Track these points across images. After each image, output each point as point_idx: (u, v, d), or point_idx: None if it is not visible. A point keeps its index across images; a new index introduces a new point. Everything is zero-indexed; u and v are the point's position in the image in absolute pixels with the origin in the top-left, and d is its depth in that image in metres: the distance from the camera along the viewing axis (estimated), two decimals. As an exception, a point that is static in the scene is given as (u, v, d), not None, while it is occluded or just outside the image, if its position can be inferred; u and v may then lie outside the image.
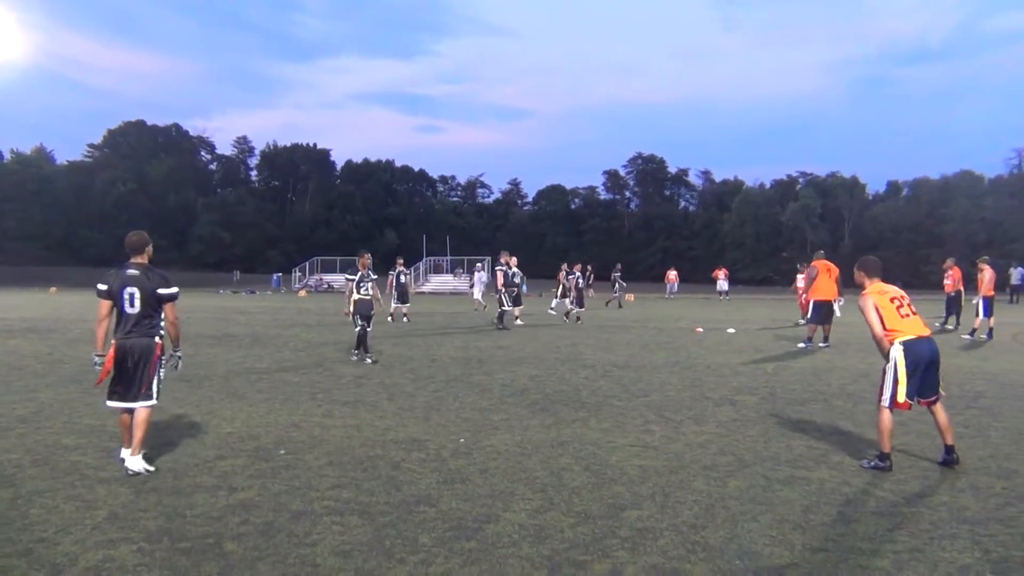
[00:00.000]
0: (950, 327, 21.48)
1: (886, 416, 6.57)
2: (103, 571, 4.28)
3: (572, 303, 24.85)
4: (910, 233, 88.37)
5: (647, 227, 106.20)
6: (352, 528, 5.01)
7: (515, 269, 22.61)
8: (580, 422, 8.49)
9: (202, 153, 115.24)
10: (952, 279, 21.80)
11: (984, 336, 18.77)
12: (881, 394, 6.63)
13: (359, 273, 13.98)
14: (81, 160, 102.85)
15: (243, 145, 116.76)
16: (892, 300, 6.78)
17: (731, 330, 20.96)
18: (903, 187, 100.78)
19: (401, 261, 25.27)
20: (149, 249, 6.60)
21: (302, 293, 55.43)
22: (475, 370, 12.62)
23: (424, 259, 66.18)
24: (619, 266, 39.37)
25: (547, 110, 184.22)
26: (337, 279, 65.56)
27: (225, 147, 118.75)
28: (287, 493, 5.77)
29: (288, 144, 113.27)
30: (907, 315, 6.70)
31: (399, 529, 4.99)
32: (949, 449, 6.68)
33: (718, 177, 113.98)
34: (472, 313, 28.75)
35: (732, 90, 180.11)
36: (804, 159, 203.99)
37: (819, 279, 16.39)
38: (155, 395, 6.46)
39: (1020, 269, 42.01)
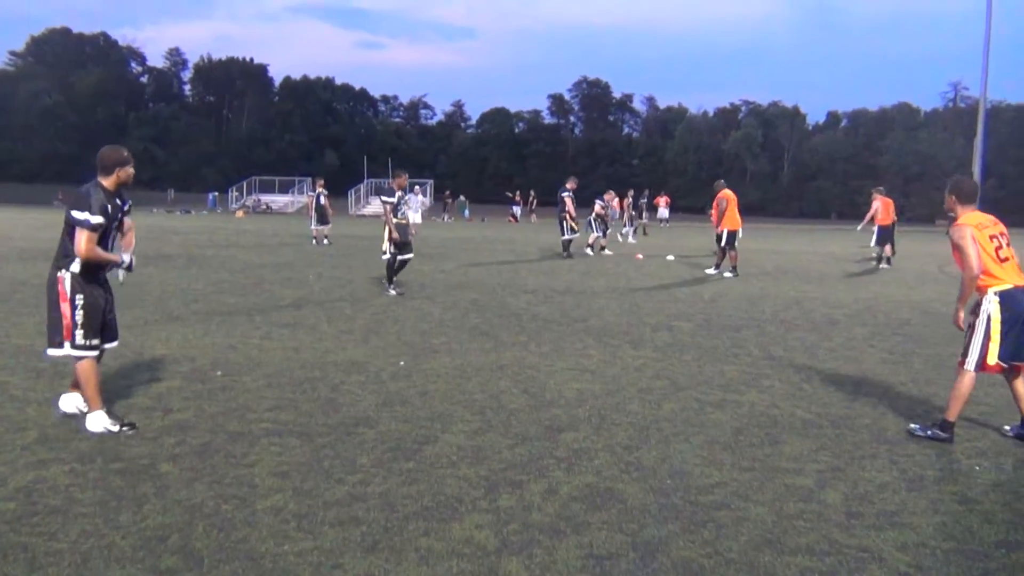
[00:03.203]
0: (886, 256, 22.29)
1: (968, 380, 5.46)
2: (34, 492, 4.22)
3: (597, 230, 22.48)
4: (846, 164, 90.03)
5: (591, 153, 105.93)
6: (290, 449, 5.01)
7: (607, 198, 21.62)
8: (520, 346, 8.57)
9: (132, 65, 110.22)
10: (883, 210, 22.53)
11: (885, 264, 19.55)
12: (966, 354, 5.49)
13: (396, 195, 12.57)
14: (3, 68, 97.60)
15: (175, 57, 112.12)
16: (992, 238, 5.50)
17: (670, 257, 21.23)
18: (842, 118, 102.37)
19: (322, 182, 24.68)
20: (121, 172, 5.36)
21: (239, 213, 54.26)
22: (416, 294, 12.58)
23: (365, 181, 65.02)
24: (646, 191, 37.48)
25: (493, 29, 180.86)
26: (276, 199, 64.26)
27: (156, 59, 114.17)
28: (224, 414, 5.73)
29: (223, 58, 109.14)
30: (1007, 259, 5.47)
31: (337, 450, 5.01)
32: None
33: (662, 103, 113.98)
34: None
35: (679, 14, 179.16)
36: (747, 87, 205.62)
37: (729, 208, 16.60)
38: (64, 344, 5.23)
39: None
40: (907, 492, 4.52)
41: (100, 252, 5.26)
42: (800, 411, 6.20)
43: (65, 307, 5.22)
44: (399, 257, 12.56)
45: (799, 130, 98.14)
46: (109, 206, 5.27)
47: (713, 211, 16.99)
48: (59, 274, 5.25)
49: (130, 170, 5.44)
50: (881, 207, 19.60)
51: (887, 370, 7.80)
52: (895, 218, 22.66)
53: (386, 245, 12.48)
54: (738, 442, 5.37)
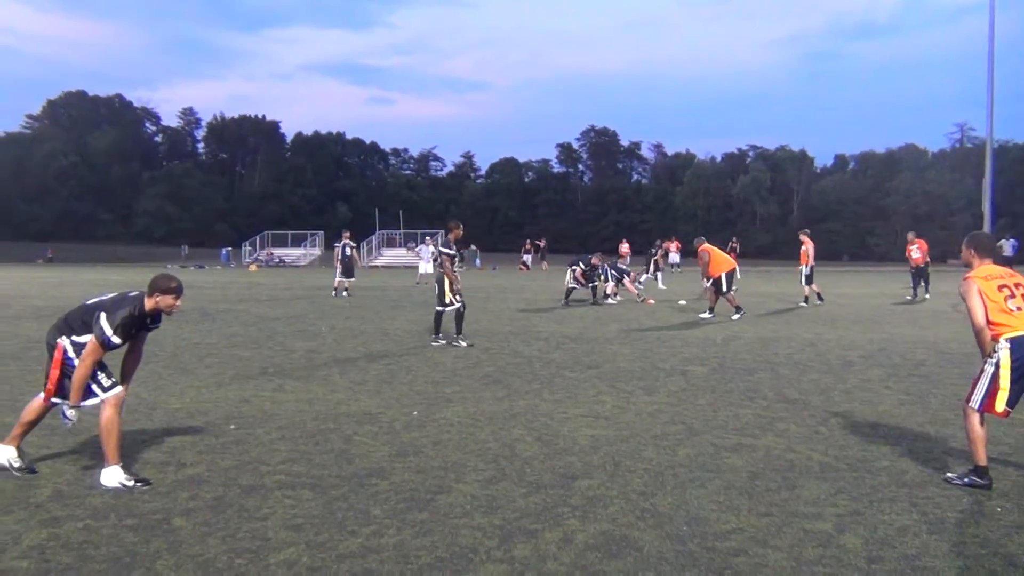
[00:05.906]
0: (927, 296, 22.32)
1: (975, 421, 5.44)
2: (47, 549, 4.20)
3: (612, 279, 21.96)
4: (856, 206, 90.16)
5: (600, 200, 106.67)
6: (304, 501, 4.99)
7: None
8: (533, 394, 8.54)
9: (146, 124, 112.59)
10: (920, 251, 22.82)
11: (817, 302, 19.99)
12: (971, 394, 5.52)
13: (454, 247, 12.65)
14: (19, 131, 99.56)
15: (189, 116, 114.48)
16: (1001, 288, 5.53)
17: (682, 302, 21.21)
18: (850, 160, 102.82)
19: (347, 234, 24.69)
20: (162, 300, 5.46)
21: (252, 267, 54.66)
22: (428, 343, 12.59)
23: (377, 232, 65.60)
24: (659, 241, 34.32)
25: (501, 82, 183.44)
26: (289, 253, 64.77)
27: (170, 119, 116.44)
28: (237, 468, 5.72)
29: (236, 116, 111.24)
30: (1020, 308, 5.47)
31: (351, 502, 4.99)
32: None
33: (670, 150, 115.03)
34: (415, 287, 28.55)
35: (684, 63, 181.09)
36: (754, 133, 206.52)
37: (713, 259, 16.94)
38: (95, 393, 5.38)
39: (1013, 241, 39.94)
40: (928, 535, 4.45)
41: (87, 375, 5.29)
42: (817, 454, 6.13)
43: (75, 362, 5.34)
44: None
45: (807, 173, 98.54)
46: (135, 328, 5.48)
47: (699, 264, 17.32)
48: (59, 340, 5.42)
49: (171, 301, 5.52)
50: (811, 248, 20.10)
51: (904, 411, 7.72)
52: (928, 259, 23.11)
53: (449, 296, 12.35)
54: (755, 487, 5.31)
